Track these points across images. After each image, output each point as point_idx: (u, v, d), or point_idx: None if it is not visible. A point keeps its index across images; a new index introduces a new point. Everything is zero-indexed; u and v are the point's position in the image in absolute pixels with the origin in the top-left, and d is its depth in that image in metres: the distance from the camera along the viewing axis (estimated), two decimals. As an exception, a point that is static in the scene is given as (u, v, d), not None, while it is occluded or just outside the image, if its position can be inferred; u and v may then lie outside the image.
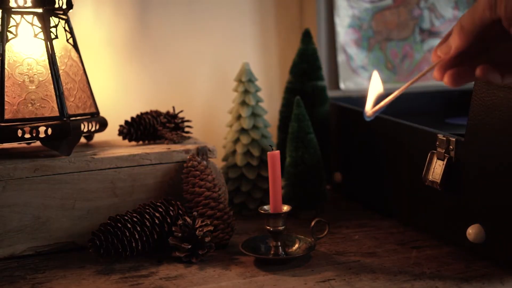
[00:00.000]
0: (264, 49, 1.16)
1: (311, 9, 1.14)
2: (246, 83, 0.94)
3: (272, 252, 0.73)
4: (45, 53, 0.80)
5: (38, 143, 0.79)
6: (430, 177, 0.73)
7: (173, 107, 0.91)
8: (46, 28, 0.80)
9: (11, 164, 0.75)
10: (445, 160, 0.72)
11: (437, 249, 0.75)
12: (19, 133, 0.76)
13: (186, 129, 0.92)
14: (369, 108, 0.59)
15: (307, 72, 0.99)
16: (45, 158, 0.77)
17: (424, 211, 0.79)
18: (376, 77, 0.60)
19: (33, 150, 0.85)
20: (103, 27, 1.04)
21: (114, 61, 1.06)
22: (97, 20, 1.04)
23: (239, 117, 0.95)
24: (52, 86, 0.79)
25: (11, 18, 0.79)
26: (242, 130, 0.94)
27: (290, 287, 0.65)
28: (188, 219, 0.74)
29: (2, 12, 0.79)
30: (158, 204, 0.77)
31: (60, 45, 0.83)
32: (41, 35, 0.80)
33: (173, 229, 0.74)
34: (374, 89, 0.60)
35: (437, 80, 0.54)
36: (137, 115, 0.90)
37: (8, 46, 0.78)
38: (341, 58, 1.13)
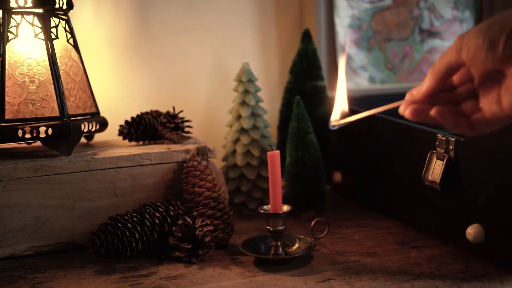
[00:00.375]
0: (264, 49, 1.16)
1: (311, 9, 1.14)
2: (246, 83, 0.94)
3: (272, 252, 0.74)
4: (46, 53, 0.80)
5: (38, 143, 0.79)
6: (430, 177, 0.74)
7: (173, 107, 0.91)
8: (46, 29, 0.80)
9: (12, 164, 0.75)
10: (445, 160, 0.72)
11: (437, 249, 0.75)
12: (20, 133, 0.76)
13: (186, 129, 0.92)
14: (334, 118, 0.62)
15: (307, 72, 0.99)
16: (46, 158, 0.78)
17: (424, 211, 0.79)
18: (342, 78, 0.62)
19: (33, 150, 0.85)
20: (103, 27, 1.04)
21: (114, 61, 1.06)
22: (97, 20, 1.04)
23: (239, 117, 0.95)
24: (53, 86, 0.79)
25: (11, 19, 0.79)
26: (242, 130, 0.94)
27: (290, 287, 0.65)
28: (188, 219, 0.74)
29: (2, 12, 0.79)
30: (158, 204, 0.77)
31: (61, 45, 0.83)
32: (42, 36, 0.80)
33: (173, 229, 0.74)
34: (340, 102, 0.62)
35: (400, 114, 0.56)
36: (137, 115, 0.90)
37: (8, 47, 0.78)
38: (341, 58, 1.13)
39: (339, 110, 0.61)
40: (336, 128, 0.61)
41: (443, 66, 0.53)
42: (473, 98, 0.54)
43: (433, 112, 0.54)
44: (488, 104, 0.52)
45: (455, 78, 0.56)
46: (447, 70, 0.53)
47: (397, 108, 0.86)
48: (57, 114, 0.79)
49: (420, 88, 0.55)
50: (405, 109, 0.56)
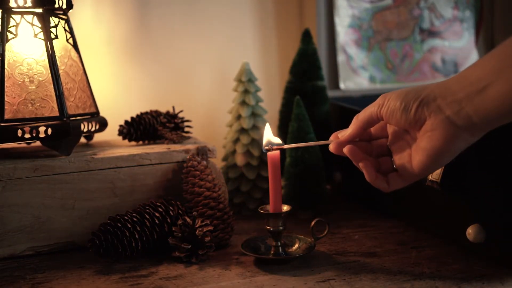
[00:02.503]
0: (264, 49, 1.16)
1: (311, 9, 1.14)
2: (246, 83, 0.94)
3: (272, 252, 0.73)
4: (45, 53, 0.80)
5: (38, 143, 0.79)
6: (430, 177, 0.73)
7: (173, 107, 0.91)
8: (46, 28, 0.80)
9: (11, 164, 0.75)
10: (445, 160, 0.72)
11: (437, 249, 0.75)
12: (19, 133, 0.76)
13: (186, 129, 0.92)
14: (266, 144, 0.71)
15: (307, 72, 0.99)
16: (45, 158, 0.78)
17: (424, 211, 0.79)
18: (268, 129, 0.73)
19: (33, 150, 0.85)
20: (103, 27, 1.04)
21: (114, 61, 1.06)
22: (97, 20, 1.04)
23: (239, 117, 0.95)
24: (52, 86, 0.79)
25: (11, 18, 0.79)
26: (242, 130, 0.94)
27: (290, 287, 0.65)
28: (188, 219, 0.74)
29: (2, 12, 0.79)
30: (158, 204, 0.77)
31: (60, 45, 0.83)
32: (41, 35, 0.80)
33: (173, 229, 0.74)
34: (268, 135, 0.72)
35: (331, 150, 0.66)
36: (137, 115, 0.90)
37: (8, 46, 0.78)
38: (341, 58, 1.13)
39: (268, 140, 0.72)
40: (267, 151, 0.71)
41: (365, 117, 0.63)
42: (387, 155, 0.65)
43: (361, 164, 0.63)
44: (401, 164, 0.62)
45: (373, 130, 0.66)
46: (368, 121, 0.63)
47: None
48: (57, 114, 0.79)
49: (345, 132, 0.65)
50: (335, 150, 0.66)
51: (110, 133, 0.93)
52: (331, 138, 0.67)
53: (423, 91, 0.57)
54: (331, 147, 0.66)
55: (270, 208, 0.72)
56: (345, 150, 0.64)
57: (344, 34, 1.13)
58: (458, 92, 0.55)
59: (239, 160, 0.94)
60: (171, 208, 0.77)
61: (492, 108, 0.53)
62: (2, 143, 0.76)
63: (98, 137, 0.96)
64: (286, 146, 0.72)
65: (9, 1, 0.78)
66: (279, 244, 0.73)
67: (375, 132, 0.66)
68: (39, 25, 0.80)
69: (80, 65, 0.87)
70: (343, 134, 0.66)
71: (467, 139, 0.57)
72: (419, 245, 0.76)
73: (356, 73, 1.14)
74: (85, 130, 0.83)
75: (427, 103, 0.57)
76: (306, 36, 1.00)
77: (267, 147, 0.71)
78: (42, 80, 0.79)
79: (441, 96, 0.56)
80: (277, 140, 0.72)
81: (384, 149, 0.66)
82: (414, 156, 0.60)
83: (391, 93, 0.60)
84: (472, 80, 0.54)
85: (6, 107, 0.76)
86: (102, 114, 0.90)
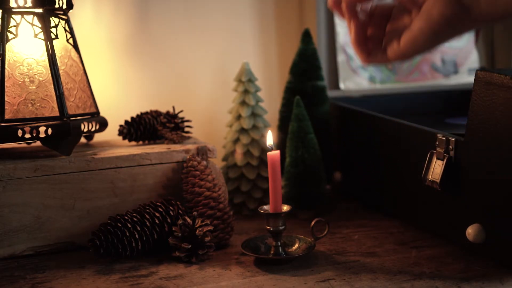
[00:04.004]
0: (264, 49, 1.16)
1: (311, 9, 1.14)
2: (246, 83, 0.94)
3: (272, 252, 0.73)
4: (45, 53, 0.80)
5: (38, 143, 0.79)
6: (430, 177, 0.73)
7: (173, 107, 0.91)
8: (46, 28, 0.80)
9: (11, 164, 0.75)
10: (445, 160, 0.72)
11: (437, 249, 0.75)
12: (19, 133, 0.76)
13: (186, 129, 0.92)
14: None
15: (307, 72, 0.99)
16: (45, 158, 0.78)
17: (424, 211, 0.79)
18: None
19: (33, 150, 0.85)
20: (103, 27, 1.04)
21: (114, 61, 1.06)
22: (97, 20, 1.04)
23: (239, 117, 0.95)
24: (52, 86, 0.79)
25: (11, 18, 0.79)
26: (242, 130, 0.94)
27: (290, 287, 0.65)
28: (188, 219, 0.74)
29: (2, 12, 0.79)
30: (158, 204, 0.77)
31: (60, 45, 0.83)
32: (41, 35, 0.80)
33: (173, 229, 0.74)
34: None
35: (329, 5, 0.63)
36: (137, 115, 0.90)
37: (8, 46, 0.78)
38: (341, 58, 1.13)
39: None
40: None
41: None
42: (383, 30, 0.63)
43: (352, 22, 0.61)
44: (390, 35, 0.61)
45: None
46: None
47: (397, 107, 0.87)
48: (57, 114, 0.79)
49: None
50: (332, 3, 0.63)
51: (110, 133, 0.93)
52: None
53: None
54: (329, 1, 0.64)
55: (270, 208, 0.72)
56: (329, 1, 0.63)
57: (344, 34, 1.13)
58: None
59: (239, 160, 0.94)
60: (171, 208, 0.77)
61: None
62: (2, 143, 0.76)
63: (98, 137, 0.96)
64: None
65: (9, 1, 0.78)
66: (279, 244, 0.73)
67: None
68: (39, 25, 0.80)
69: (80, 65, 0.87)
70: None
71: (463, 23, 0.55)
72: (419, 245, 0.76)
73: (356, 73, 1.14)
74: (85, 130, 0.83)
75: None
76: (306, 36, 1.00)
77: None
78: (42, 80, 0.79)
79: None
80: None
81: (382, 23, 0.64)
82: (406, 32, 0.59)
83: None
84: None
85: (6, 107, 0.76)
86: (102, 114, 0.90)
